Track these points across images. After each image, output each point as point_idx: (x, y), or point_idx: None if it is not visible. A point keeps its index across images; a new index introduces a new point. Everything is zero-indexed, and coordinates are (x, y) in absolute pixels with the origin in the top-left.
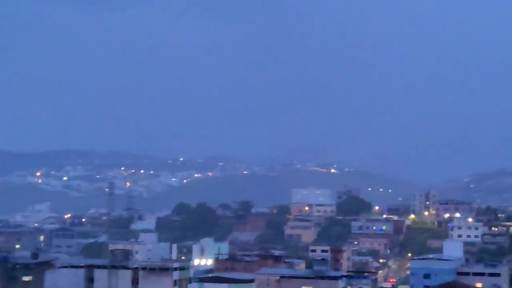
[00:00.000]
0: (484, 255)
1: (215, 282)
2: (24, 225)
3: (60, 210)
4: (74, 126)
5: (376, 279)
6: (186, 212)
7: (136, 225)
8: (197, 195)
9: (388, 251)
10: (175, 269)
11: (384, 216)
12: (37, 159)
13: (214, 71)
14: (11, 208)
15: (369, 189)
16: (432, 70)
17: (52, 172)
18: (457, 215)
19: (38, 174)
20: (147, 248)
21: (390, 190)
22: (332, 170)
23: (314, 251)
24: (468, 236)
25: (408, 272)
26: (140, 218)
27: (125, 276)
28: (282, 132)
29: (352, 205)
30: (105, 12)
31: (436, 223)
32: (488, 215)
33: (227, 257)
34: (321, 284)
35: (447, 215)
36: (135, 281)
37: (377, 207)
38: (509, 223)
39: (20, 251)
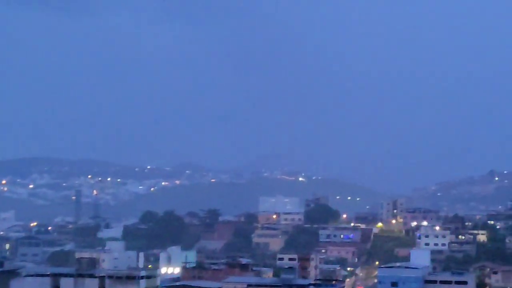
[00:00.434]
0: (451, 263)
1: None
2: None
3: (26, 218)
4: (41, 133)
5: (343, 287)
6: (153, 220)
7: (103, 233)
8: (165, 203)
9: (356, 259)
10: (142, 277)
11: (352, 224)
12: (3, 166)
13: (182, 78)
14: None
15: (337, 197)
16: (398, 80)
17: (18, 180)
18: (425, 223)
19: (3, 182)
20: (113, 256)
21: (358, 199)
22: (300, 178)
23: (281, 259)
24: (435, 244)
25: (375, 280)
26: (107, 226)
27: (92, 285)
28: (250, 140)
29: (320, 213)
30: (74, 18)
31: (404, 231)
32: (455, 223)
33: (194, 265)
34: None
35: (414, 223)
36: None
37: (345, 216)
38: (476, 232)
39: None
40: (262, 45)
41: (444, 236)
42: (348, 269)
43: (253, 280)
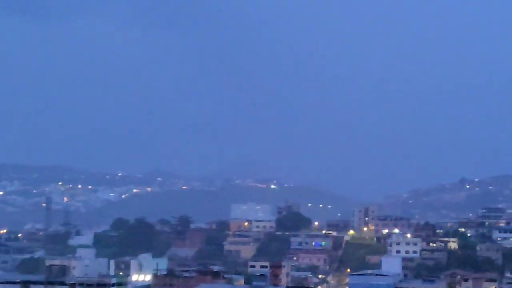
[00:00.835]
0: (422, 271)
1: None
2: None
3: None
4: (10, 140)
5: None
6: (124, 228)
7: (74, 241)
8: (136, 210)
9: (327, 266)
10: (113, 285)
11: (324, 231)
12: None
13: (153, 85)
14: None
15: (309, 204)
16: (371, 87)
17: None
18: (396, 231)
19: None
20: (84, 263)
21: (330, 206)
22: (272, 186)
23: (253, 266)
24: (407, 251)
25: None
26: (78, 233)
27: None
28: (222, 147)
29: (291, 221)
30: (41, 23)
31: (375, 238)
32: (426, 231)
33: (165, 273)
34: None
35: (385, 231)
36: None
37: (316, 223)
38: (447, 239)
39: None
40: (233, 55)
41: (415, 244)
42: (320, 276)
43: (225, 287)
